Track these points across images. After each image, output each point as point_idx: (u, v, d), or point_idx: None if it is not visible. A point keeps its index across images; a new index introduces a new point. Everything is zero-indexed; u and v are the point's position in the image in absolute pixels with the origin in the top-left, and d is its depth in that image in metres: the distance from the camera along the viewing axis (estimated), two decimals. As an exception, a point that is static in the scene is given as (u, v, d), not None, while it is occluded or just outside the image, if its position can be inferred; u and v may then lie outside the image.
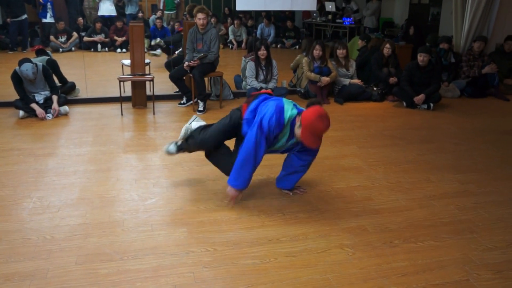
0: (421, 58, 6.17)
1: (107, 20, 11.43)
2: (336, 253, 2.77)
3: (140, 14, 11.97)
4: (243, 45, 11.71)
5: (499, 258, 2.74)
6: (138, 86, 6.13)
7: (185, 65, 5.91)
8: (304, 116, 2.94)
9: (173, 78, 6.13)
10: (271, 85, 6.46)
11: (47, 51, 7.05)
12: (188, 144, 3.58)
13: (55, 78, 6.03)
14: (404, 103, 6.37)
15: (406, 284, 2.48)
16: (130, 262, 2.63)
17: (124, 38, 10.78)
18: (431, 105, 6.24)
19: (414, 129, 5.37)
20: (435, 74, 6.31)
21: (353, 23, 12.05)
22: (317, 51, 6.56)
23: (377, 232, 3.02)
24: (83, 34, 11.00)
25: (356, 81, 6.70)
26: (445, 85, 6.98)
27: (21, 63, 5.38)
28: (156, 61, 8.38)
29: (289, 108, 3.10)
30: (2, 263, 2.61)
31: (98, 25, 10.83)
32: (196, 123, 3.69)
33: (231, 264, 2.63)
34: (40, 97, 5.62)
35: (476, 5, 7.36)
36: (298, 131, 3.02)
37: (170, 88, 6.68)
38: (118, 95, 5.94)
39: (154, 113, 5.86)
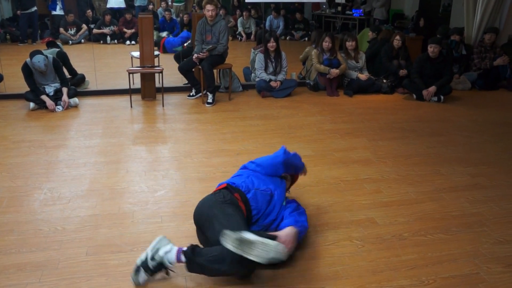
0: (432, 49, 6.11)
1: (116, 12, 11.43)
2: (345, 245, 2.77)
3: (150, 6, 11.96)
4: (252, 37, 11.67)
5: (510, 252, 2.72)
6: (148, 78, 6.13)
7: (194, 57, 5.90)
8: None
9: (182, 70, 6.13)
10: (280, 77, 6.45)
11: (58, 43, 7.08)
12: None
13: (65, 70, 6.06)
14: (414, 96, 6.32)
15: (415, 277, 2.47)
16: (140, 254, 2.64)
17: (133, 30, 10.79)
18: (442, 97, 6.18)
19: (424, 121, 5.33)
20: (446, 66, 6.24)
21: (362, 14, 11.95)
22: (326, 43, 6.52)
23: (386, 225, 3.01)
24: (92, 26, 11.02)
25: (362, 76, 6.63)
26: (456, 77, 6.91)
27: (32, 55, 5.41)
28: (165, 53, 8.38)
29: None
30: (14, 253, 2.64)
31: (108, 17, 10.83)
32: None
33: (240, 256, 2.63)
34: (50, 89, 5.65)
35: (489, -4, 7.26)
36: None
37: (179, 80, 6.68)
38: (127, 87, 5.96)
39: (163, 105, 5.87)
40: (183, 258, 2.35)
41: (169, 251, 2.38)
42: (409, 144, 4.54)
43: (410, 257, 2.65)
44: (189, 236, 2.82)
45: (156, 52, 6.51)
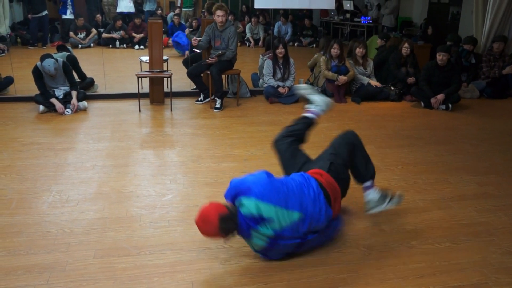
0: (440, 57, 6.10)
1: (125, 17, 11.53)
2: (353, 252, 2.76)
3: (159, 11, 12.05)
4: (260, 43, 11.70)
5: (519, 262, 2.70)
6: (156, 83, 6.17)
7: (194, 43, 5.96)
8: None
9: (190, 75, 6.15)
10: (288, 83, 6.46)
11: (68, 47, 7.14)
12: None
13: (74, 74, 6.10)
14: (422, 104, 6.31)
15: (423, 285, 2.46)
16: (147, 257, 2.65)
17: (142, 35, 10.86)
18: (450, 105, 6.17)
19: (432, 129, 5.32)
20: (454, 74, 6.23)
21: (371, 21, 11.97)
22: (335, 50, 6.53)
23: (393, 233, 3.00)
24: (101, 30, 11.11)
25: (374, 83, 6.65)
26: (464, 86, 6.89)
27: (43, 58, 5.46)
28: (174, 58, 8.42)
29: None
30: (23, 254, 2.65)
31: (119, 22, 10.91)
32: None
33: (247, 261, 2.63)
34: (59, 92, 5.70)
35: (498, 4, 7.24)
36: None
37: (187, 85, 6.71)
38: (136, 91, 5.99)
39: (171, 110, 5.90)
40: None
41: None
42: (417, 152, 4.53)
43: (418, 266, 2.64)
44: (197, 240, 2.83)
45: (165, 57, 6.55)
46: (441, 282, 2.49)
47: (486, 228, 3.09)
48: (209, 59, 5.88)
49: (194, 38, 6.01)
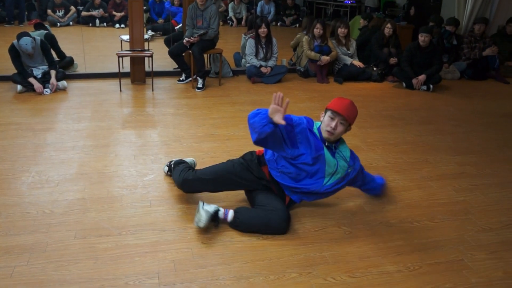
0: (422, 38, 6.13)
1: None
2: (333, 231, 2.80)
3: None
4: (243, 22, 11.60)
5: (494, 239, 2.77)
6: (137, 62, 6.08)
7: (184, 41, 5.86)
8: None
9: (172, 54, 6.08)
10: (271, 63, 6.43)
11: (46, 25, 6.97)
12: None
13: (53, 52, 5.98)
14: (404, 84, 6.35)
15: (401, 263, 2.51)
16: (129, 237, 2.65)
17: (122, 14, 10.66)
18: (431, 86, 6.22)
19: (413, 110, 5.37)
20: (436, 55, 6.27)
21: (354, 2, 11.92)
22: (317, 30, 6.51)
23: (374, 212, 3.04)
24: (81, 8, 10.86)
25: (357, 63, 6.66)
26: (445, 67, 6.95)
27: (19, 37, 5.33)
28: (155, 37, 8.30)
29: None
30: (2, 236, 2.62)
31: (97, 0, 10.68)
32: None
33: (228, 240, 2.65)
34: (38, 72, 5.58)
35: (480, -14, 7.28)
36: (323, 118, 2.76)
37: (169, 64, 6.63)
38: (116, 70, 5.90)
39: (153, 90, 5.83)
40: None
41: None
42: (398, 132, 4.58)
43: (397, 244, 2.69)
44: (178, 220, 2.83)
45: (146, 36, 6.45)
46: (419, 259, 2.54)
47: (464, 206, 3.15)
48: (191, 38, 5.80)
49: (186, 40, 5.86)
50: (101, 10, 10.66)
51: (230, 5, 11.90)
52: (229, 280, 2.32)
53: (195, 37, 5.79)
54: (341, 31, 6.70)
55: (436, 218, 2.99)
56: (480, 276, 2.42)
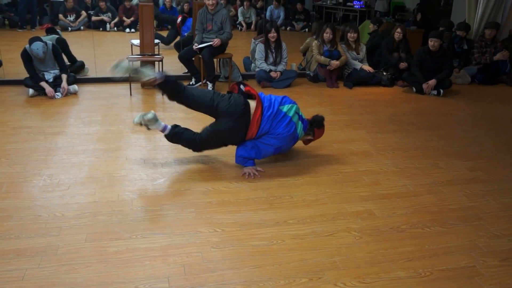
0: (432, 43, 6.10)
1: (116, 0, 11.37)
2: (343, 236, 2.78)
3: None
4: (252, 27, 11.63)
5: (506, 246, 2.74)
6: (147, 67, 6.11)
7: (194, 46, 5.88)
8: (317, 134, 3.83)
9: (182, 58, 6.11)
10: (280, 67, 6.44)
11: (57, 30, 7.04)
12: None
13: (64, 57, 6.03)
14: (414, 89, 6.32)
15: (412, 268, 2.49)
16: (139, 241, 2.66)
17: (132, 19, 10.73)
18: (441, 91, 6.19)
19: (423, 115, 5.34)
20: (446, 59, 6.24)
21: (363, 6, 11.91)
22: (327, 34, 6.51)
23: (384, 217, 3.02)
24: (91, 13, 10.95)
25: (367, 67, 6.65)
26: (456, 72, 6.91)
27: (31, 41, 5.39)
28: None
29: (298, 126, 3.64)
30: (14, 238, 2.65)
31: (102, 4, 10.75)
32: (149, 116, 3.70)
33: (238, 245, 2.65)
34: (49, 76, 5.63)
35: (491, -10, 7.25)
36: (306, 137, 3.82)
37: (179, 68, 6.66)
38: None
39: (162, 94, 5.85)
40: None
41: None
42: (408, 137, 4.56)
43: (408, 249, 2.67)
44: (188, 224, 2.84)
45: (156, 41, 6.49)
46: (430, 265, 2.52)
47: (475, 212, 3.13)
48: (215, 42, 5.83)
49: (196, 45, 5.92)
50: (109, 14, 10.73)
51: (239, 10, 11.94)
52: (239, 284, 2.32)
53: (215, 42, 5.82)
54: (350, 35, 6.69)
55: (447, 223, 2.97)
56: (492, 283, 2.39)
